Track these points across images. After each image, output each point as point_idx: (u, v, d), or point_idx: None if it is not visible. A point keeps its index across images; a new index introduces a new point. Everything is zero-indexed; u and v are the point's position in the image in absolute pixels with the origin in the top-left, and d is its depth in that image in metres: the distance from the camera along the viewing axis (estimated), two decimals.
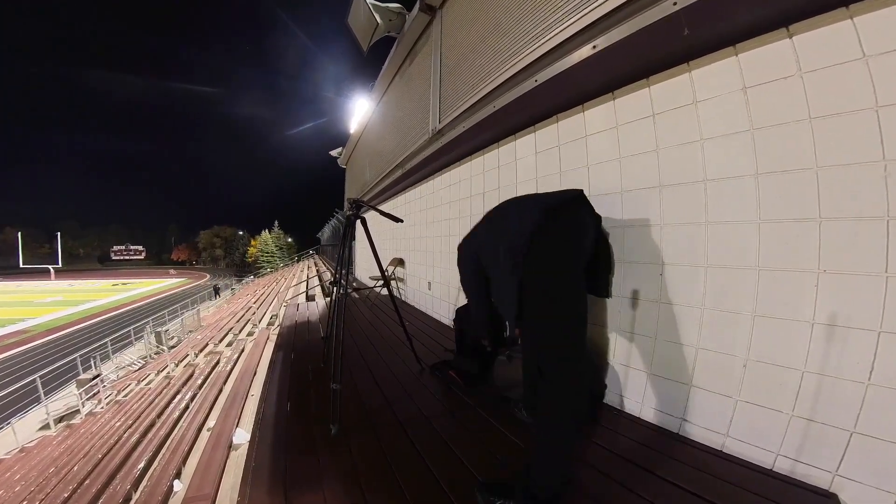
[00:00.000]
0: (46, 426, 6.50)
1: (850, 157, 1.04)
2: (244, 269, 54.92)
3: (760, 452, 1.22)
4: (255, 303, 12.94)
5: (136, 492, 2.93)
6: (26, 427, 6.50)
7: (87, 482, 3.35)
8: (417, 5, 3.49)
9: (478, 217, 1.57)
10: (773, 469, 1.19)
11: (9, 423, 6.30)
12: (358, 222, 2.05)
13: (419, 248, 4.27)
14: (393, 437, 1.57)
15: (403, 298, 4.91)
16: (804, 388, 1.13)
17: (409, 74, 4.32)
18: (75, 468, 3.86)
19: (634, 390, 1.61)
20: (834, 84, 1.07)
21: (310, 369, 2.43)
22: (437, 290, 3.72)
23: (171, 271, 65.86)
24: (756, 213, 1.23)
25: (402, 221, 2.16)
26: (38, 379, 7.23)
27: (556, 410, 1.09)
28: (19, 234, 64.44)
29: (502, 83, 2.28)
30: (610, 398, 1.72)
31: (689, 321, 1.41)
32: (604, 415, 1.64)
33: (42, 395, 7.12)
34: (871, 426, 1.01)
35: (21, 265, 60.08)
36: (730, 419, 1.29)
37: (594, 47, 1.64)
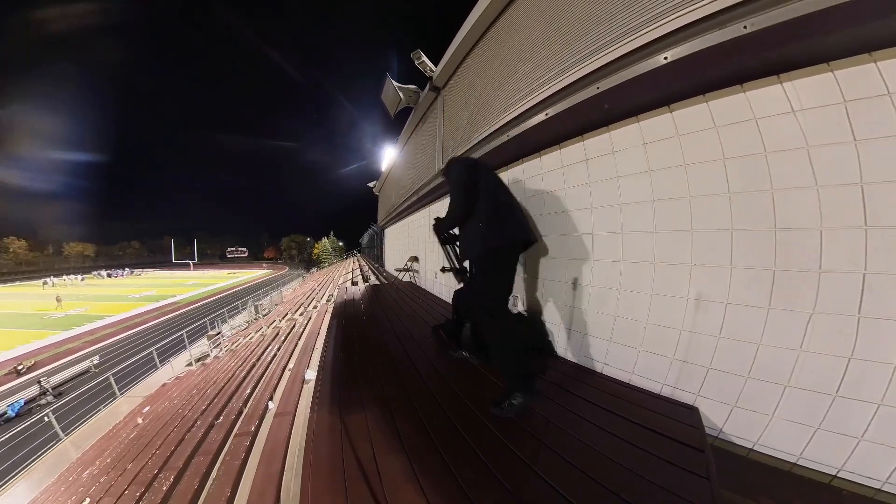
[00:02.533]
0: (190, 364, 6.82)
1: (709, 190, 1.07)
2: (311, 263, 54.65)
3: (652, 383, 1.25)
4: (318, 286, 13.00)
5: (245, 407, 2.98)
6: (179, 364, 6.88)
7: (216, 399, 3.45)
8: (427, 86, 3.52)
9: None
10: (660, 393, 1.22)
11: (169, 361, 6.75)
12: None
13: (430, 249, 4.32)
14: (411, 378, 1.56)
15: (418, 284, 4.92)
16: (681, 341, 1.16)
17: (422, 131, 4.35)
18: (208, 391, 3.96)
19: (575, 344, 1.62)
20: (703, 143, 1.09)
21: (355, 332, 2.42)
22: (441, 278, 3.76)
23: (264, 265, 66.58)
24: (653, 226, 1.25)
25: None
26: (184, 333, 7.71)
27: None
28: (172, 240, 67.60)
29: (484, 137, 2.30)
30: (560, 351, 1.72)
31: (610, 298, 1.42)
32: (551, 361, 1.64)
33: (187, 343, 7.47)
34: (719, 364, 1.05)
35: (173, 261, 64.25)
36: (634, 362, 1.32)
37: (546, 114, 1.66)
